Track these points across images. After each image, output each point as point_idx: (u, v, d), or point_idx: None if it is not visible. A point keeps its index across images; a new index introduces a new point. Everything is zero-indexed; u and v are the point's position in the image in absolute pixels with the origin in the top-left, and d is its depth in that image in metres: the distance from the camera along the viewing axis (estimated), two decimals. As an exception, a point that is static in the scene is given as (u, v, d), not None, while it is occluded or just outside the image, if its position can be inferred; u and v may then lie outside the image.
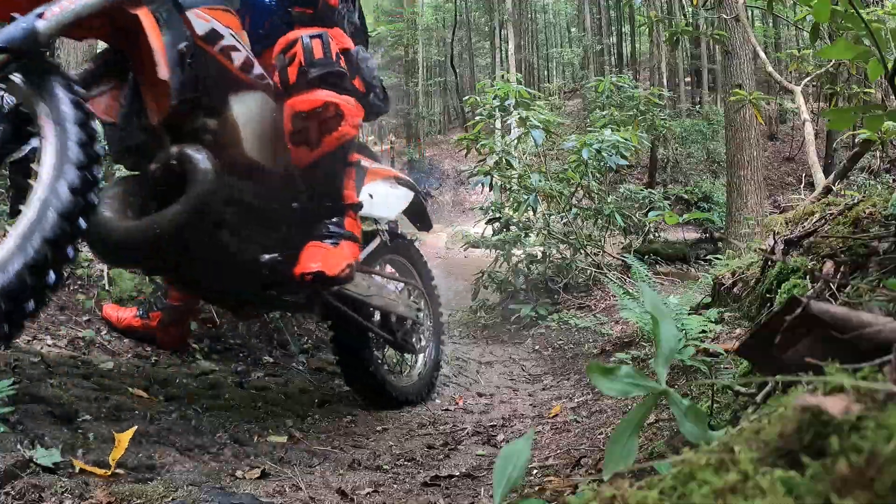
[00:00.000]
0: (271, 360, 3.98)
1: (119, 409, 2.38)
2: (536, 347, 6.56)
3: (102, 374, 2.78)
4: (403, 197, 3.76)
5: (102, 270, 3.72)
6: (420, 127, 34.50)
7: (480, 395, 4.50)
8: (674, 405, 0.82)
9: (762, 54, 4.73)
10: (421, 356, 4.04)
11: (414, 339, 3.87)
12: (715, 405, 1.63)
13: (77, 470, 1.77)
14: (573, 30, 38.36)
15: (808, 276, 1.63)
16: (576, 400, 3.87)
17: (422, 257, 4.11)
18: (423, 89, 36.02)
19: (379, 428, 3.19)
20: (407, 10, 34.79)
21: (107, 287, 3.67)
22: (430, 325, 4.13)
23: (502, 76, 20.21)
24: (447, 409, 3.90)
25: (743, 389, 1.36)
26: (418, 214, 4.04)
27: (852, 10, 1.47)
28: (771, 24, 25.02)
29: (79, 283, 3.60)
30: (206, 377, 3.24)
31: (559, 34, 42.74)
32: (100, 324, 3.38)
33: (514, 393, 4.58)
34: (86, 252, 3.79)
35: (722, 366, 2.14)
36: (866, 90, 5.10)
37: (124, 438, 1.92)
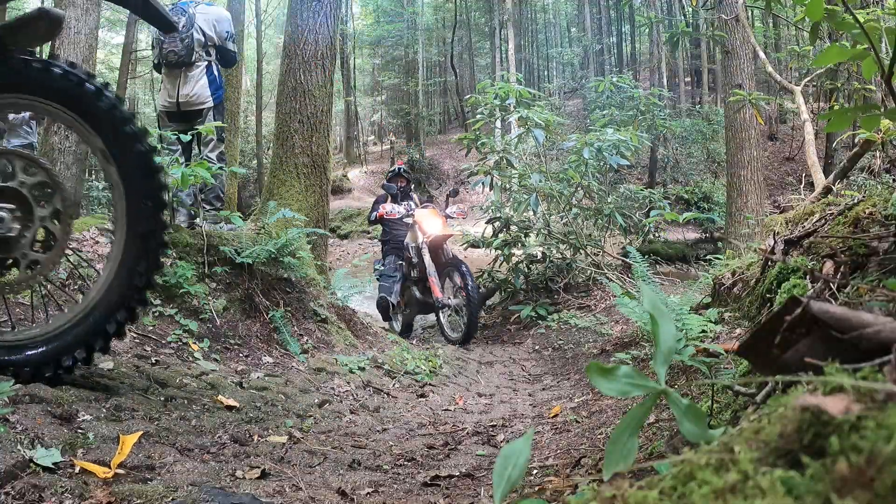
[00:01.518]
0: (271, 360, 3.98)
1: (119, 409, 2.38)
2: (536, 347, 6.56)
3: (102, 374, 2.78)
4: None
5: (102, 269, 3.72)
6: (420, 127, 34.49)
7: (480, 395, 4.51)
8: (673, 405, 0.82)
9: (762, 54, 4.73)
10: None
11: None
12: (715, 405, 1.63)
13: (77, 470, 1.77)
14: (573, 30, 38.36)
15: (807, 276, 1.63)
16: (576, 400, 3.87)
17: (120, 113, 2.48)
18: (423, 89, 35.99)
19: (379, 428, 3.19)
20: (407, 10, 34.80)
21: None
22: (116, 250, 2.58)
23: (502, 76, 20.19)
24: (447, 409, 3.90)
25: (743, 389, 1.36)
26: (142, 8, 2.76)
27: (848, 11, 1.47)
28: (771, 25, 25.01)
29: (79, 282, 3.59)
30: (206, 377, 3.24)
31: (559, 34, 42.72)
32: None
33: (514, 393, 4.59)
34: (84, 252, 3.80)
35: (722, 366, 2.14)
36: (867, 87, 5.10)
37: (128, 441, 1.92)
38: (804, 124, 4.21)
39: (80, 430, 2.03)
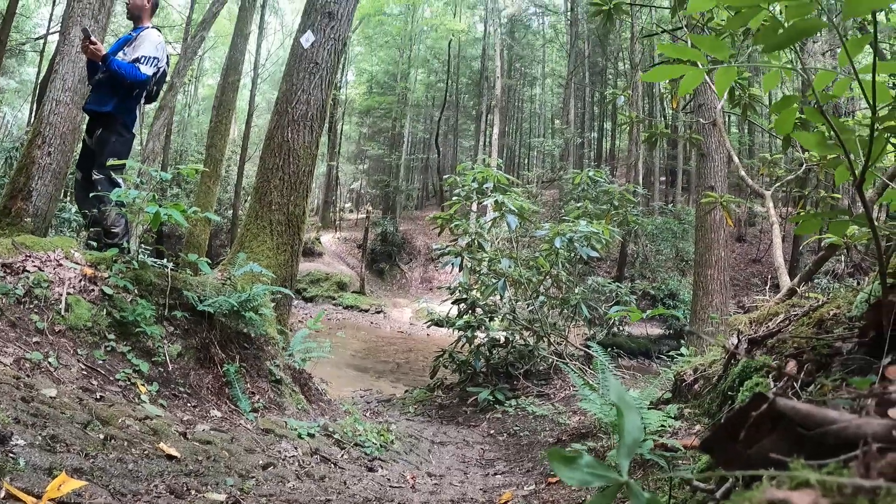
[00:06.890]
0: (219, 414, 3.85)
1: (55, 439, 2.26)
2: (491, 432, 6.46)
3: (44, 400, 2.65)
4: None
5: (61, 294, 3.61)
6: (398, 200, 34.84)
7: (430, 475, 4.39)
8: (634, 497, 0.80)
9: (736, 159, 4.89)
10: None
11: None
12: (672, 501, 1.60)
13: (3, 495, 1.67)
14: (557, 122, 39.45)
15: (771, 375, 1.63)
16: (527, 488, 3.78)
17: None
18: (405, 163, 36.54)
19: (322, 498, 3.08)
20: (399, 85, 35.61)
21: (62, 312, 3.56)
22: None
23: (484, 160, 20.56)
24: (395, 486, 3.78)
25: (702, 485, 1.33)
26: None
27: (823, 119, 1.52)
28: (746, 131, 26.07)
29: (35, 302, 3.48)
30: (150, 421, 3.12)
31: (543, 124, 43.93)
32: (49, 347, 3.26)
33: (465, 476, 4.48)
34: (46, 273, 3.70)
35: (680, 461, 2.11)
36: (833, 195, 5.28)
37: (67, 486, 1.82)
38: (772, 227, 4.32)
39: (11, 455, 1.93)
